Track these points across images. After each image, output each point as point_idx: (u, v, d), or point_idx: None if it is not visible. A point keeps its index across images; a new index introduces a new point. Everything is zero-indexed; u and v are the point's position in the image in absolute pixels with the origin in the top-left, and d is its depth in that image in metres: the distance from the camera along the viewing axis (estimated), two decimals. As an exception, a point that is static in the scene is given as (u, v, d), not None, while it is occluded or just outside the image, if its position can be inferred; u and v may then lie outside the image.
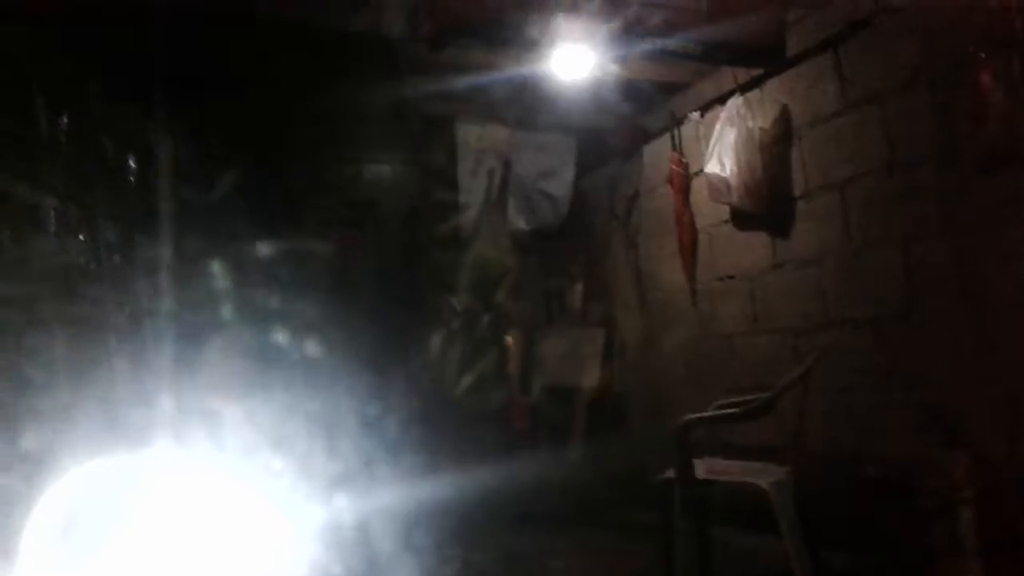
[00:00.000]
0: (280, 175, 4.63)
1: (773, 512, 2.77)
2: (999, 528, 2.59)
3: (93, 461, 1.60)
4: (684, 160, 4.41)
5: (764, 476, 2.88)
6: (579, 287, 5.61)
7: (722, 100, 4.02)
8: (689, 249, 4.40)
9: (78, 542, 1.48)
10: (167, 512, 1.58)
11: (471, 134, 5.00)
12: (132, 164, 3.45)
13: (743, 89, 3.88)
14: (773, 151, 3.73)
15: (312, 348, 3.26)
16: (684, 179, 4.39)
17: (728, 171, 3.82)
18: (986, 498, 2.62)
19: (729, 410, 3.22)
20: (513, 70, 3.94)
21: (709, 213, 4.25)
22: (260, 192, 4.22)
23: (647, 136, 4.83)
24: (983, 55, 2.75)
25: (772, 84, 3.79)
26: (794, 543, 2.79)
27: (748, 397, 3.20)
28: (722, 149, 3.86)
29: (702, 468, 3.03)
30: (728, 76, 4.01)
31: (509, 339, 5.27)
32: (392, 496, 3.08)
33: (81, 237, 2.95)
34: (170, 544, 1.54)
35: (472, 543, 4.05)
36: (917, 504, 2.62)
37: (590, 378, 5.26)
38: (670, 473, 2.97)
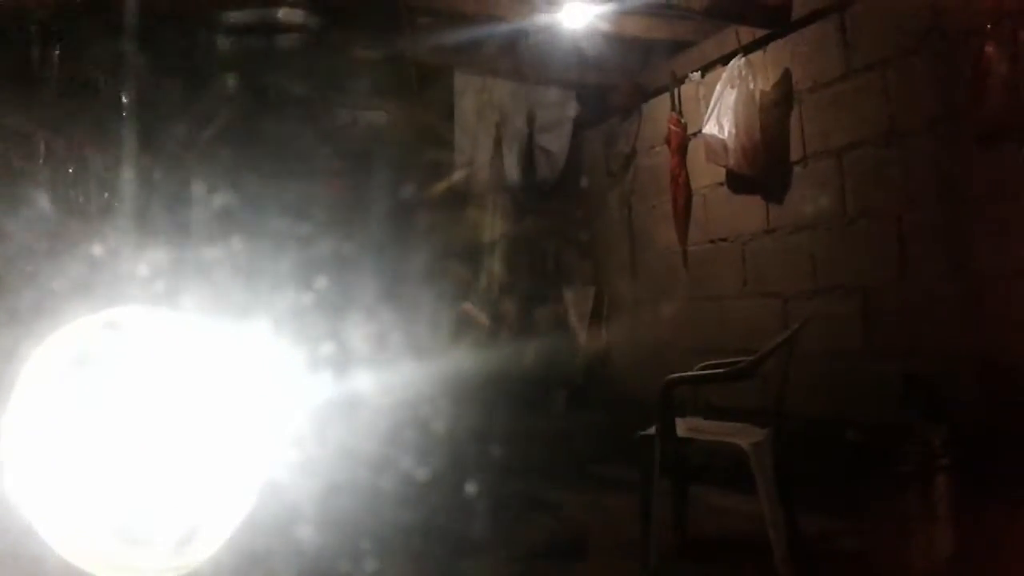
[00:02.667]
0: (273, 120, 4.57)
1: (751, 472, 2.80)
2: (974, 497, 2.62)
3: (107, 310, 1.61)
4: (682, 120, 4.37)
5: (744, 437, 2.89)
6: (572, 246, 5.60)
7: (724, 61, 3.97)
8: (683, 210, 4.39)
9: (91, 374, 1.49)
10: (177, 367, 1.60)
11: (469, 85, 4.94)
12: (124, 101, 3.40)
13: (746, 50, 3.83)
14: (772, 114, 3.70)
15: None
16: (681, 139, 4.36)
17: (726, 133, 3.80)
18: (963, 467, 2.64)
19: (713, 371, 3.24)
20: (513, 21, 3.88)
21: (705, 175, 4.23)
22: (252, 136, 4.17)
23: (646, 94, 4.78)
24: (988, 25, 2.71)
25: (775, 46, 3.74)
26: (770, 504, 2.82)
27: (733, 359, 3.21)
28: (721, 110, 3.83)
29: (683, 426, 3.05)
30: (731, 36, 3.96)
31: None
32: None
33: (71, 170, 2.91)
34: (176, 397, 1.57)
35: (451, 492, 4.08)
36: (894, 470, 2.64)
37: (578, 336, 5.28)
38: (651, 430, 2.99)
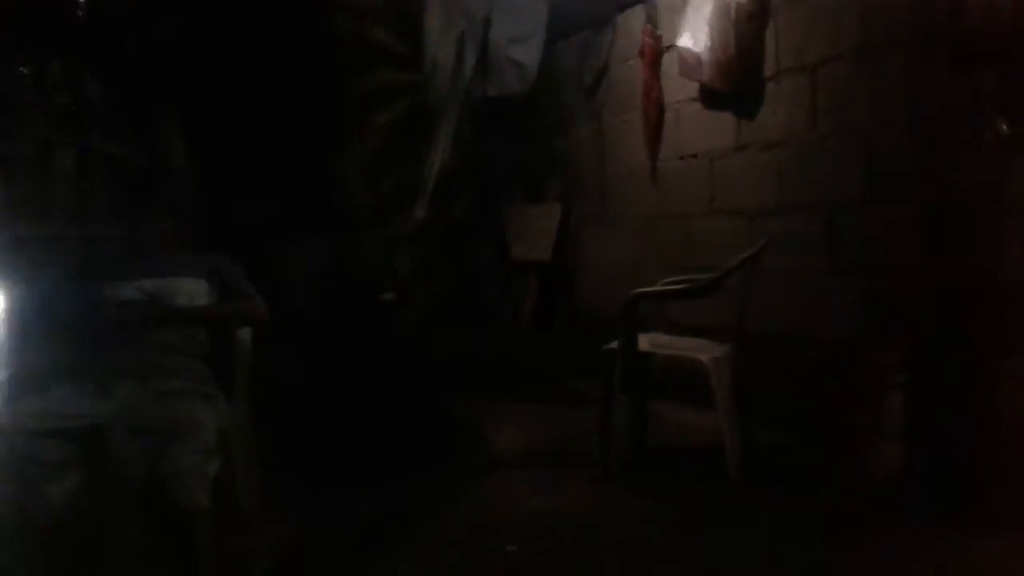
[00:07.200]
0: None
1: (711, 387, 2.84)
2: (924, 415, 2.68)
3: None
4: (657, 32, 4.27)
5: (704, 352, 2.93)
6: (539, 161, 5.52)
7: (701, -30, 3.86)
8: (654, 125, 4.32)
9: None
10: None
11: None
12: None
13: (724, -40, 3.72)
14: (748, 28, 3.61)
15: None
16: (656, 52, 4.26)
17: (701, 46, 3.72)
18: (916, 385, 2.70)
19: (676, 287, 3.25)
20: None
21: (678, 89, 4.15)
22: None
23: (621, 5, 4.65)
24: (969, -62, 2.65)
25: (754, -44, 3.64)
26: (727, 418, 2.87)
27: (697, 276, 3.22)
28: (696, 23, 3.74)
29: (645, 341, 3.07)
30: (710, -55, 3.84)
31: None
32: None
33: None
34: None
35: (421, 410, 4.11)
36: (850, 386, 2.69)
37: (543, 252, 5.26)
38: (615, 345, 3.01)
